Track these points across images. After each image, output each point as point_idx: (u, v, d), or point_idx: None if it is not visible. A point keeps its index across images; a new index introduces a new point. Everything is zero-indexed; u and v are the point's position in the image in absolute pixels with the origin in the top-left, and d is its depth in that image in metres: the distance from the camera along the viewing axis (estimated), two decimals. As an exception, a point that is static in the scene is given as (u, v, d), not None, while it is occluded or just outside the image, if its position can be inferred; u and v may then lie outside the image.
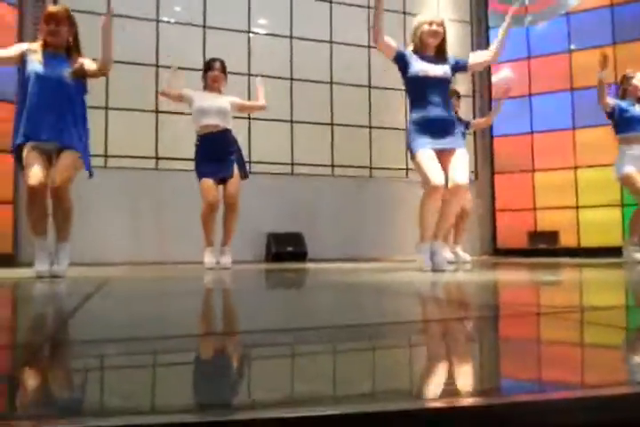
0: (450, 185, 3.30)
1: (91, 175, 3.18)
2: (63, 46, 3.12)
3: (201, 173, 4.07)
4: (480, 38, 7.29)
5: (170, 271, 3.96)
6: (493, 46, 3.63)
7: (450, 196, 3.32)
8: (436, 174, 3.26)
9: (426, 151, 3.33)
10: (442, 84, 3.45)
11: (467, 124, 5.26)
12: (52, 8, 3.21)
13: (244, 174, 4.22)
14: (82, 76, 3.11)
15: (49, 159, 2.99)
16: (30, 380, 0.77)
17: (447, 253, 3.37)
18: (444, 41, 3.51)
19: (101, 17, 3.10)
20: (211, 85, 4.21)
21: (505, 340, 1.14)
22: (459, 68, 3.55)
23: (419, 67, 3.42)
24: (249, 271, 4.08)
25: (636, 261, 4.40)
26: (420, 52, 3.48)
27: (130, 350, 0.97)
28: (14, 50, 3.11)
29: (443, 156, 3.36)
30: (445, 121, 3.41)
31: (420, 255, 3.42)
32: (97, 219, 5.19)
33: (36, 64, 3.02)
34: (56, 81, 3.00)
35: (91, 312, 1.53)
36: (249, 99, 5.22)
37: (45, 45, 3.08)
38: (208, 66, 4.24)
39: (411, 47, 3.55)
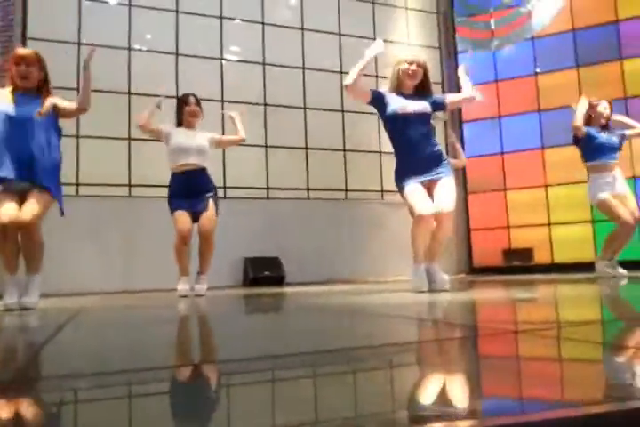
0: (436, 213, 3.29)
1: (62, 213, 3.13)
2: (34, 88, 3.09)
3: (174, 206, 3.97)
4: (450, 62, 7.47)
5: (143, 300, 3.89)
6: (465, 91, 3.62)
7: (437, 223, 3.32)
8: (422, 205, 3.27)
9: (412, 186, 3.34)
10: (423, 119, 3.38)
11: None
12: (21, 50, 3.19)
13: (217, 212, 4.08)
14: (55, 115, 3.10)
15: (21, 198, 2.94)
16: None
17: (444, 275, 3.37)
18: (425, 80, 3.45)
19: (85, 57, 3.11)
20: (188, 121, 4.09)
21: (485, 359, 1.14)
22: (437, 104, 3.47)
23: (397, 104, 3.35)
24: (226, 297, 4.03)
25: (607, 276, 4.47)
26: (398, 90, 3.43)
27: (102, 384, 0.94)
28: None
29: (430, 184, 3.38)
30: (431, 156, 3.38)
31: (414, 277, 3.36)
32: (68, 248, 5.09)
33: (5, 104, 2.98)
34: (27, 120, 2.96)
35: (62, 344, 1.49)
36: (223, 128, 5.22)
37: (15, 88, 3.05)
38: (184, 101, 4.12)
39: (387, 85, 3.49)
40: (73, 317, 2.39)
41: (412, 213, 3.43)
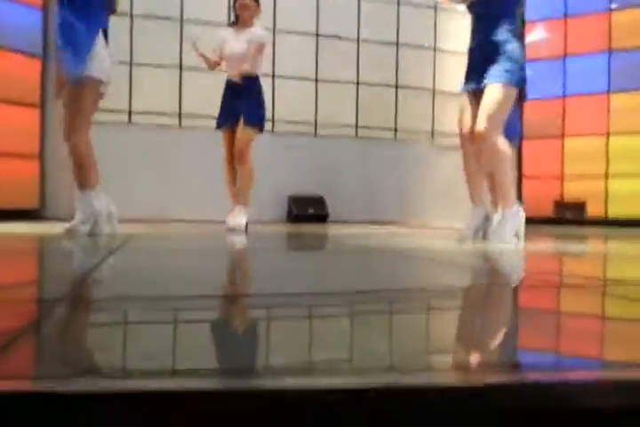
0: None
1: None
2: None
3: (218, 122, 3.93)
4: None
5: (192, 230, 3.99)
6: None
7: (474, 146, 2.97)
8: (464, 126, 3.04)
9: (464, 99, 3.08)
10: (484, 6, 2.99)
11: None
12: None
13: (259, 126, 3.86)
14: None
15: None
16: (46, 337, 0.78)
17: (511, 223, 2.88)
18: None
19: None
20: (241, 16, 3.88)
21: (525, 311, 1.12)
22: None
23: None
24: (268, 233, 4.08)
25: None
26: None
27: (150, 307, 0.97)
28: None
29: (480, 94, 2.96)
30: (492, 46, 2.95)
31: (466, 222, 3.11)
32: (118, 174, 5.22)
33: None
34: None
35: (111, 269, 1.55)
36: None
37: None
38: None
39: None
40: (124, 243, 2.49)
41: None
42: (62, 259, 1.99)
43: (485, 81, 2.92)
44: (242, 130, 3.78)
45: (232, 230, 3.74)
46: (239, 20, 3.92)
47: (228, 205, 3.96)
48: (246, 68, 3.75)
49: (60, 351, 0.69)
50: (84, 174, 2.92)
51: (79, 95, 2.86)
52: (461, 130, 3.11)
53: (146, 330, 0.86)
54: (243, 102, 3.81)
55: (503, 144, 2.90)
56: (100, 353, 0.69)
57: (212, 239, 3.20)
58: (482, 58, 2.97)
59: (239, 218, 3.79)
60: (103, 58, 2.89)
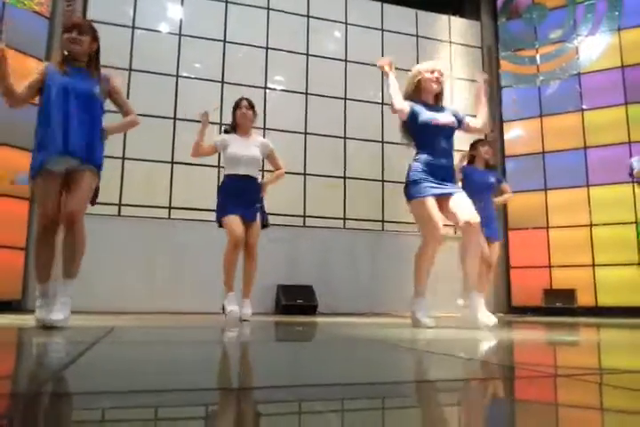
0: (462, 225, 3.23)
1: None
2: (82, 59, 2.92)
3: (227, 210, 3.95)
4: (492, 97, 7.43)
5: (178, 321, 3.89)
6: (480, 118, 3.65)
7: (466, 236, 3.26)
8: (440, 224, 3.27)
9: (430, 200, 3.31)
10: (450, 132, 3.49)
11: (499, 181, 4.98)
12: (75, 18, 3.10)
13: (266, 223, 4.15)
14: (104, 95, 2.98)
15: (63, 181, 2.84)
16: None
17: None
18: (442, 90, 3.58)
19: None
20: (241, 124, 4.14)
21: (521, 403, 1.08)
22: (458, 120, 3.55)
23: (429, 115, 3.43)
24: (258, 323, 3.99)
25: None
26: (418, 99, 3.51)
27: (129, 404, 0.92)
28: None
29: (441, 201, 3.35)
30: (449, 169, 3.45)
31: (416, 312, 3.33)
32: (106, 266, 5.18)
33: (54, 77, 2.84)
34: (78, 94, 2.84)
35: (92, 361, 1.49)
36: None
37: (64, 60, 2.90)
38: (237, 104, 4.21)
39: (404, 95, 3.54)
40: (106, 335, 2.40)
41: (426, 231, 3.33)
42: (41, 351, 1.91)
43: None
44: (255, 226, 4.00)
45: (237, 320, 3.82)
46: (240, 129, 4.17)
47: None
48: (280, 175, 4.21)
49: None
50: (77, 263, 2.83)
51: (90, 183, 2.87)
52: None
53: None
54: (252, 200, 4.03)
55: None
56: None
57: (200, 331, 3.10)
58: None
59: (246, 308, 3.97)
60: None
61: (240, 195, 3.98)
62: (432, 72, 3.52)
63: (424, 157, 3.41)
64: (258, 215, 4.04)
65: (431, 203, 3.30)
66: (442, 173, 3.38)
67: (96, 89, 2.90)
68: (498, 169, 5.16)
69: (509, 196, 4.96)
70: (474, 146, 4.83)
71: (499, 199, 4.91)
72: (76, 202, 2.79)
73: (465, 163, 4.80)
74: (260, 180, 4.16)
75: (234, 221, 3.90)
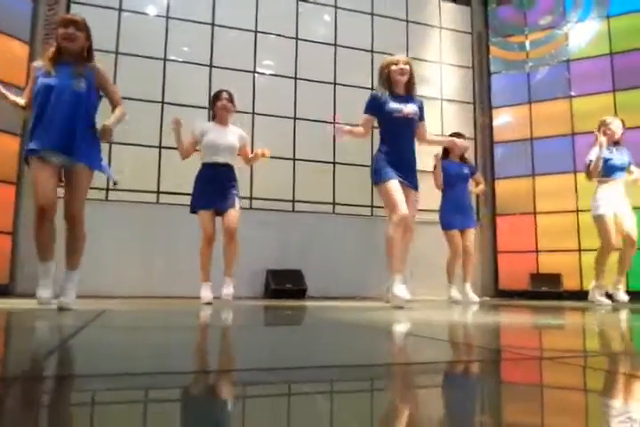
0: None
1: (115, 183, 3.33)
2: (76, 55, 2.98)
3: (199, 205, 4.09)
4: (482, 83, 7.43)
5: (166, 305, 3.90)
6: (430, 138, 4.00)
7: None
8: (404, 205, 3.54)
9: (395, 182, 3.57)
10: (412, 123, 3.72)
11: (473, 172, 5.52)
12: (72, 15, 3.21)
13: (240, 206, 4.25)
14: (96, 88, 3.05)
15: (59, 171, 2.96)
16: (9, 416, 0.73)
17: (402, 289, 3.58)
18: (411, 79, 3.77)
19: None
20: (220, 115, 4.25)
21: (507, 386, 1.10)
22: (420, 116, 3.80)
23: (394, 106, 3.67)
24: (246, 307, 4.01)
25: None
26: (389, 91, 3.73)
27: (118, 386, 0.93)
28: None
29: (405, 188, 3.66)
30: (411, 160, 3.72)
31: (394, 290, 3.55)
32: (93, 251, 5.15)
33: (46, 74, 2.92)
34: (68, 91, 2.90)
35: (80, 343, 1.49)
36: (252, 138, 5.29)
37: (57, 54, 2.96)
38: (216, 96, 4.31)
39: (377, 89, 3.83)
40: (95, 318, 2.41)
41: (391, 211, 3.61)
42: (31, 335, 1.91)
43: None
44: (233, 212, 4.07)
45: (210, 304, 3.91)
46: (219, 119, 4.27)
47: (197, 281, 4.10)
48: (250, 160, 4.33)
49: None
50: (80, 254, 3.05)
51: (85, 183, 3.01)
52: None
53: (112, 410, 0.81)
54: (229, 187, 4.12)
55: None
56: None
57: (183, 315, 3.12)
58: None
59: (227, 288, 4.04)
60: None
61: (217, 182, 4.09)
62: (396, 63, 3.72)
63: (386, 148, 3.70)
64: (236, 201, 4.12)
65: (395, 186, 3.56)
66: (405, 163, 3.67)
67: (84, 85, 2.94)
68: (471, 161, 5.74)
69: (483, 186, 5.63)
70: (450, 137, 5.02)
71: (475, 190, 5.50)
72: (76, 205, 2.93)
73: (439, 156, 5.18)
74: (235, 167, 4.24)
75: (206, 218, 4.06)
